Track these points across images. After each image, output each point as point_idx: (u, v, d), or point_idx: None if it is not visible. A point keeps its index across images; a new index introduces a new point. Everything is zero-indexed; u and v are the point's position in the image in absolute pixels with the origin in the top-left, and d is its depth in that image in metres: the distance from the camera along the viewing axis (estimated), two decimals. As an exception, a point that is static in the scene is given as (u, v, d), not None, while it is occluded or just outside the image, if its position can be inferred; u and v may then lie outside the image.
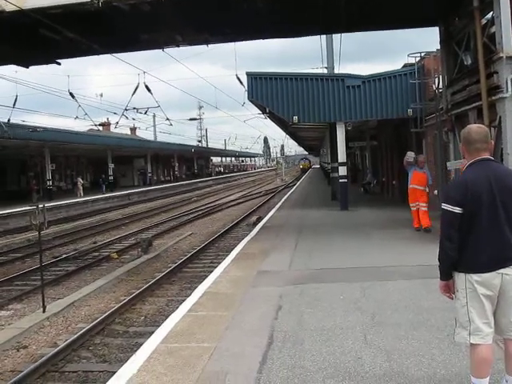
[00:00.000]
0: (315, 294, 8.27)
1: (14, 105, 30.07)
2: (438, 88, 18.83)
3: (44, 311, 10.26)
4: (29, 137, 35.49)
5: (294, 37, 19.97)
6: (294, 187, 47.31)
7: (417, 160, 15.38)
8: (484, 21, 13.59)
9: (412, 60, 20.99)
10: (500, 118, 12.15)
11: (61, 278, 14.01)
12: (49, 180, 43.62)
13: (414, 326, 6.40)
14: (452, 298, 4.30)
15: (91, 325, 9.35)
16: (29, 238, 21.60)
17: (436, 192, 19.03)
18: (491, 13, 12.88)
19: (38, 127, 37.02)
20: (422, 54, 20.69)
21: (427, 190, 15.63)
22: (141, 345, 6.86)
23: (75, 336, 8.76)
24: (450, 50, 16.44)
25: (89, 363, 7.88)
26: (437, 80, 19.11)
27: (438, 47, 17.88)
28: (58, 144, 40.93)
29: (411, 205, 15.54)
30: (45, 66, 19.56)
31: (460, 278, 4.12)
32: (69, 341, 8.52)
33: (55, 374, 7.47)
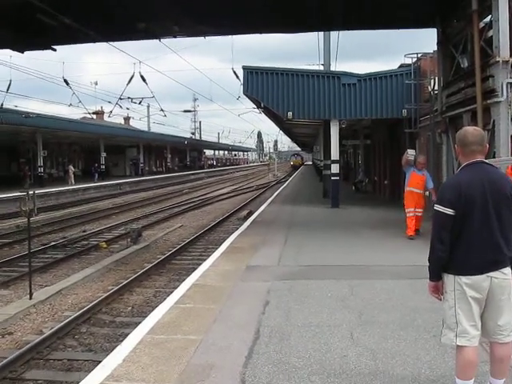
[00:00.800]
0: (303, 291, 8.26)
1: (8, 89, 29.94)
2: (433, 89, 18.88)
3: (31, 298, 10.21)
4: (21, 122, 35.25)
5: (292, 32, 20.00)
6: (286, 183, 47.33)
7: (415, 160, 14.08)
8: (482, 24, 13.62)
9: (408, 60, 21.03)
10: (494, 121, 12.21)
11: (49, 265, 13.95)
12: (40, 167, 43.37)
13: (401, 326, 6.41)
14: (440, 299, 4.30)
15: (78, 313, 9.32)
16: (18, 224, 21.48)
17: (427, 193, 19.07)
18: (489, 16, 12.91)
19: (31, 113, 36.78)
20: (419, 55, 20.72)
21: (427, 193, 14.57)
22: (127, 335, 6.82)
23: (61, 324, 8.73)
24: (446, 52, 16.48)
25: (74, 352, 7.85)
26: (432, 81, 19.15)
27: (435, 49, 17.90)
28: (50, 131, 40.73)
29: (407, 210, 14.02)
30: (40, 51, 19.46)
31: (449, 280, 4.12)
32: (55, 328, 8.48)
33: (40, 361, 7.43)
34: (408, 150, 14.55)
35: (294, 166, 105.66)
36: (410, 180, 14.15)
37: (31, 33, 16.33)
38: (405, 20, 17.43)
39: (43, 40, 17.73)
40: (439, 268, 4.15)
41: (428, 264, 4.22)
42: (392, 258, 10.91)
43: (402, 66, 22.46)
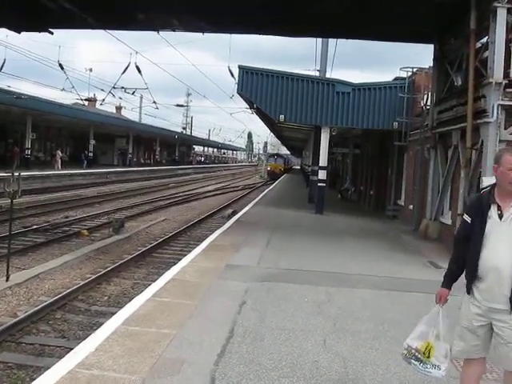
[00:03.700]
0: (280, 294, 8.31)
1: (1, 69, 29.60)
2: (425, 104, 19.03)
3: (7, 280, 10.14)
4: (12, 103, 34.95)
5: (291, 36, 20.05)
6: (272, 185, 47.34)
7: None
8: (478, 44, 13.75)
9: (404, 74, 21.17)
10: (482, 141, 12.32)
11: (28, 248, 13.86)
12: (28, 149, 43.05)
13: (374, 336, 6.47)
14: None
15: (53, 299, 9.28)
16: (0, 205, 21.32)
17: (411, 207, 19.23)
18: (486, 37, 13.03)
19: (23, 94, 36.49)
20: (414, 70, 20.87)
21: None
22: (101, 324, 6.83)
23: (36, 308, 8.69)
24: (441, 68, 16.61)
25: (47, 337, 7.82)
26: (425, 97, 19.30)
27: (431, 64, 18.05)
28: (41, 113, 40.42)
29: None
30: (37, 33, 19.32)
31: None
32: (29, 312, 8.44)
33: (11, 344, 7.39)
34: None
35: (272, 173, 66.58)
36: None
37: (29, 14, 16.21)
38: (404, 34, 17.55)
39: (41, 22, 17.60)
40: None
41: None
42: (371, 268, 10.94)
43: (397, 78, 22.60)
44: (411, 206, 19.30)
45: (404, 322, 6.90)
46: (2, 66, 29.51)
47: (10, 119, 43.97)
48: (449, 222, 15.04)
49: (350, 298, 8.32)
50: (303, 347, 5.94)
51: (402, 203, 21.77)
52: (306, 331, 6.51)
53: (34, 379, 5.27)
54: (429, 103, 17.98)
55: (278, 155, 78.85)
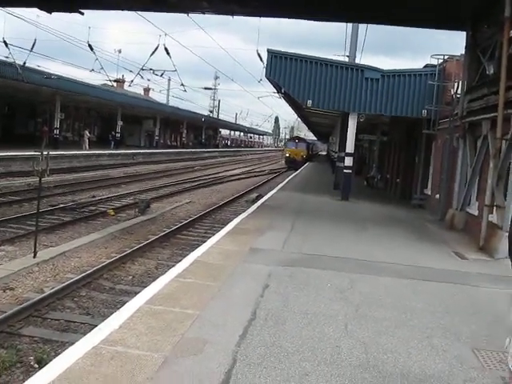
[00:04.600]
0: (303, 278, 8.32)
1: (32, 49, 29.79)
2: (455, 93, 18.73)
3: (35, 257, 10.34)
4: (42, 83, 35.33)
5: (321, 21, 19.82)
6: (298, 171, 47.23)
7: None
8: (513, 32, 13.45)
9: (435, 61, 20.84)
10: (513, 132, 12.10)
11: (55, 226, 14.10)
12: (56, 129, 43.48)
13: (396, 324, 6.45)
14: None
15: (79, 276, 9.44)
16: (29, 183, 21.67)
17: (438, 196, 19.05)
18: (521, 25, 12.74)
19: (53, 74, 36.84)
20: (446, 57, 20.54)
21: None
22: (125, 303, 6.92)
23: (62, 285, 8.86)
24: (473, 56, 16.30)
25: (72, 313, 7.98)
26: (456, 85, 18.99)
27: (461, 52, 17.75)
28: (70, 94, 40.76)
29: None
30: (67, 14, 19.42)
31: None
32: (55, 289, 8.62)
33: (38, 319, 7.56)
34: None
35: (292, 160, 56.37)
36: None
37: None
38: (436, 20, 17.23)
39: (72, 3, 17.69)
40: None
41: None
42: (395, 256, 10.88)
43: (427, 66, 22.27)
44: (438, 196, 19.11)
45: (426, 311, 6.87)
46: (33, 45, 29.69)
47: (40, 99, 44.47)
48: (475, 212, 14.85)
49: (373, 285, 8.30)
50: (325, 332, 5.96)
51: (429, 192, 21.55)
52: (328, 316, 6.53)
53: (59, 354, 5.39)
54: (459, 92, 17.69)
55: (300, 139, 65.70)
